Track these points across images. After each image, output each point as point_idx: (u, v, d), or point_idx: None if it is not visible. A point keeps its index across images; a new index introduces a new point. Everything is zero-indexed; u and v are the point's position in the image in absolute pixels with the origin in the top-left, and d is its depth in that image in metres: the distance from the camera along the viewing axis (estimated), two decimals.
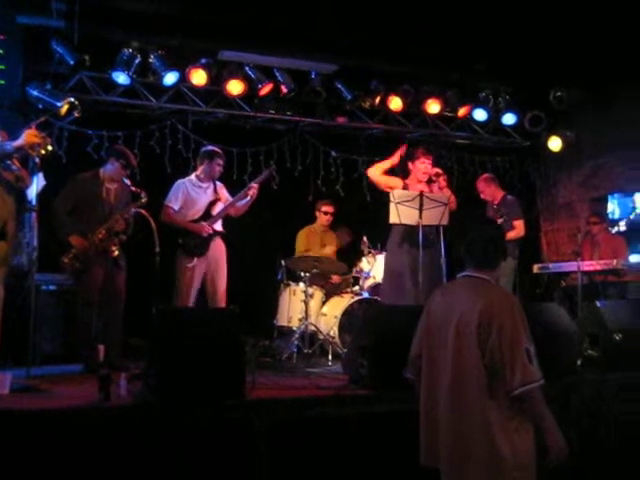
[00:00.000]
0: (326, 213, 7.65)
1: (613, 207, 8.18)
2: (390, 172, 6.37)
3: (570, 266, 7.46)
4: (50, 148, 5.17)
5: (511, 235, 6.96)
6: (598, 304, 5.60)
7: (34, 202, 5.24)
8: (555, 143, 8.70)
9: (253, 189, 6.30)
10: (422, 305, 5.54)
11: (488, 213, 7.24)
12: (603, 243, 7.41)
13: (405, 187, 6.20)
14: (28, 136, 5.05)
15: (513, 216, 7.14)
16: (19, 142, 5.06)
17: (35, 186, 5.21)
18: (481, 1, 6.33)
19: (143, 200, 5.71)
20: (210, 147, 6.53)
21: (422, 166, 6.21)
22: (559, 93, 8.28)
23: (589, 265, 7.18)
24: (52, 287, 6.31)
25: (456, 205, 6.28)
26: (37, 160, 5.16)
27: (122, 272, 5.78)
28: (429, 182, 6.20)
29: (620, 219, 7.87)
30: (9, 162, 5.14)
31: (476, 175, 8.57)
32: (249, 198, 6.34)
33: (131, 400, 4.22)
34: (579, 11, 6.45)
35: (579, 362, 5.20)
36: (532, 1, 6.32)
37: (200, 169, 6.38)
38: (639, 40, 6.82)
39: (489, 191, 7.39)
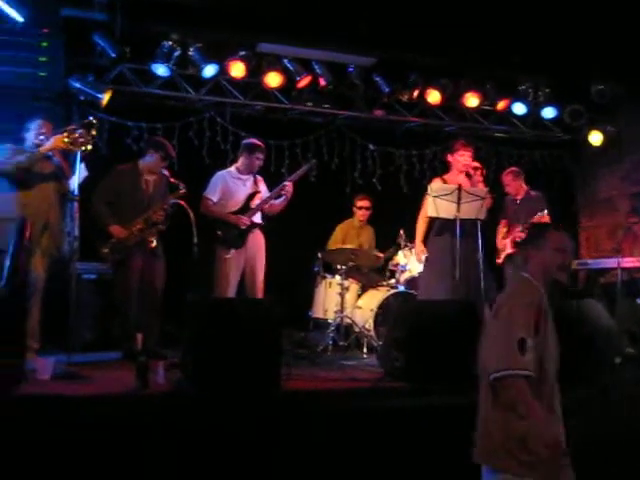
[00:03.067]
0: (361, 208, 7.64)
1: None
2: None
3: (610, 262, 7.35)
4: (90, 147, 5.25)
5: None
6: (638, 301, 5.52)
7: (76, 192, 5.34)
8: (596, 137, 8.58)
9: (288, 187, 6.28)
10: (458, 299, 5.62)
11: (507, 208, 7.10)
12: None
13: (444, 182, 6.16)
14: (56, 141, 5.14)
15: (540, 210, 7.04)
16: (47, 146, 5.15)
17: (77, 176, 5.30)
18: None
19: (181, 191, 5.76)
20: (251, 140, 6.51)
21: (462, 158, 6.15)
22: (600, 87, 8.17)
23: (629, 262, 7.07)
24: (92, 276, 6.42)
25: (491, 201, 6.24)
26: (79, 153, 5.25)
27: (160, 262, 5.85)
28: (467, 176, 6.15)
29: None
30: (50, 154, 5.24)
31: None
32: (284, 197, 6.33)
33: (169, 388, 4.27)
34: (621, 4, 6.35)
35: (618, 360, 5.14)
36: None
37: (240, 161, 6.40)
38: None
39: (515, 185, 7.29)
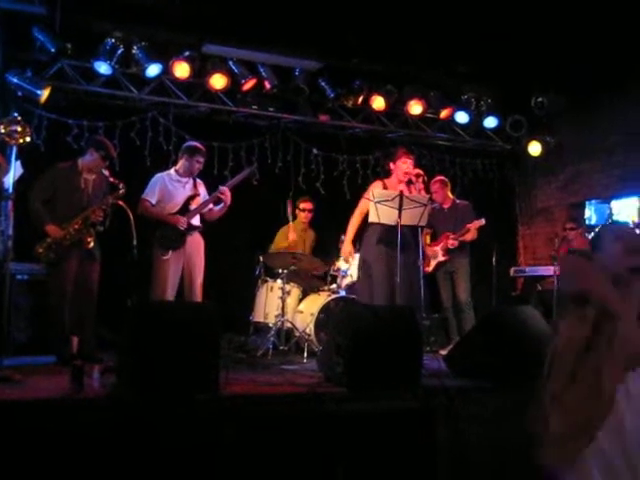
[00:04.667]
0: (304, 210, 7.64)
1: (590, 213, 8.26)
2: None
3: (546, 270, 7.53)
4: (28, 139, 5.12)
5: (467, 238, 7.13)
6: None
7: (11, 190, 5.18)
8: (535, 148, 8.78)
9: (224, 193, 6.23)
10: (398, 304, 5.66)
11: (433, 216, 7.04)
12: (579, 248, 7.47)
13: (385, 187, 6.21)
14: None
15: (468, 220, 7.19)
16: None
17: (12, 174, 5.15)
18: (466, 3, 6.36)
19: (121, 192, 5.66)
20: (192, 143, 6.45)
21: (404, 166, 6.21)
22: (540, 99, 8.37)
23: None
24: (25, 276, 6.24)
25: (432, 209, 6.32)
26: (15, 147, 5.10)
27: (96, 264, 5.73)
28: (409, 183, 6.21)
29: (596, 225, 7.95)
30: None
31: (456, 177, 8.66)
32: (223, 204, 6.27)
33: (104, 392, 4.19)
34: (563, 18, 6.51)
35: None
36: (518, 6, 6.36)
37: (180, 164, 6.33)
38: (619, 49, 6.91)
39: (442, 194, 7.43)
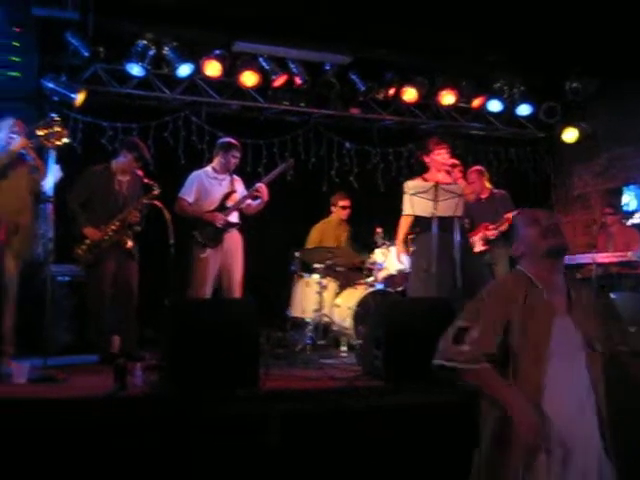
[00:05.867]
0: (344, 207, 7.63)
1: (629, 199, 8.13)
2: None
3: (585, 258, 7.42)
4: (66, 140, 5.20)
5: (506, 228, 7.01)
6: (613, 296, 5.56)
7: (50, 193, 5.28)
8: (570, 134, 8.66)
9: (261, 189, 6.24)
10: (435, 296, 5.62)
11: (471, 206, 6.79)
12: (618, 235, 7.36)
13: (425, 181, 6.15)
14: (21, 142, 5.08)
15: (506, 210, 7.10)
16: (17, 144, 5.09)
17: (52, 177, 5.24)
18: None
19: (155, 192, 5.71)
20: (226, 139, 6.49)
21: (439, 157, 6.14)
22: (574, 84, 8.24)
23: (604, 257, 7.13)
24: (67, 278, 6.36)
25: (475, 197, 6.25)
26: (54, 151, 5.19)
27: (135, 264, 5.80)
28: (447, 172, 6.15)
29: (635, 211, 7.83)
30: (24, 152, 5.17)
31: (490, 167, 8.57)
32: (260, 200, 6.29)
33: (147, 390, 4.25)
34: (595, 1, 6.41)
35: None
36: None
37: (216, 161, 6.37)
38: None
39: (479, 183, 7.34)
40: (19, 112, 5.80)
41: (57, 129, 5.18)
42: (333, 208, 7.68)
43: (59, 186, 5.41)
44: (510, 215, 6.99)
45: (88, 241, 5.61)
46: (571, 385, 2.60)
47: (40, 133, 5.13)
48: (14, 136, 5.16)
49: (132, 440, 3.69)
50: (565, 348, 2.61)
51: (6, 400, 3.89)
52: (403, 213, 6.08)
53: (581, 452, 2.56)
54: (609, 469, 2.60)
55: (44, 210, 5.68)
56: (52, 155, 5.21)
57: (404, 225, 6.21)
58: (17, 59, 6.37)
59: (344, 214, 7.66)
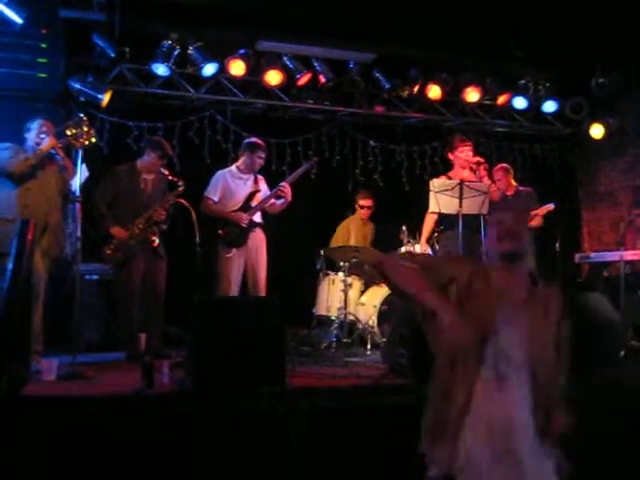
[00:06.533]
0: (363, 207, 7.63)
1: None
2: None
3: (613, 255, 7.34)
4: (94, 140, 5.26)
5: (533, 224, 6.95)
6: None
7: (78, 193, 5.34)
8: (597, 130, 8.55)
9: (285, 189, 6.27)
10: None
11: (499, 204, 6.94)
12: None
13: (449, 179, 6.14)
14: (50, 142, 5.15)
15: (533, 207, 7.04)
16: (46, 144, 5.16)
17: (79, 177, 5.30)
18: None
19: (180, 189, 5.76)
20: (253, 139, 6.52)
21: (462, 155, 6.16)
22: (601, 79, 8.15)
23: (632, 254, 7.05)
24: (95, 277, 6.44)
25: (500, 195, 6.21)
26: (80, 151, 5.25)
27: (162, 262, 5.86)
28: (472, 170, 6.13)
29: None
30: (53, 151, 5.23)
31: (516, 164, 8.50)
32: (284, 200, 6.32)
33: (174, 387, 4.28)
34: None
35: (622, 353, 5.14)
36: None
37: (241, 160, 6.40)
38: None
39: (505, 181, 7.29)
40: (46, 113, 5.89)
41: (85, 129, 5.25)
42: (356, 206, 7.68)
43: (85, 186, 5.46)
44: (536, 212, 6.95)
45: (115, 240, 5.66)
46: (510, 363, 2.59)
47: (69, 133, 5.20)
48: (43, 136, 5.23)
49: (160, 437, 3.73)
50: (512, 328, 2.61)
51: (36, 397, 3.94)
52: (429, 211, 6.08)
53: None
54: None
55: (72, 210, 5.75)
56: (79, 154, 5.27)
57: (429, 222, 6.20)
58: (44, 60, 6.43)
59: (364, 214, 7.64)
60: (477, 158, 6.19)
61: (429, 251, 6.37)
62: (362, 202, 7.63)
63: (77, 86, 6.53)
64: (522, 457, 2.53)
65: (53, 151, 5.20)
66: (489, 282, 2.67)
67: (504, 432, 2.53)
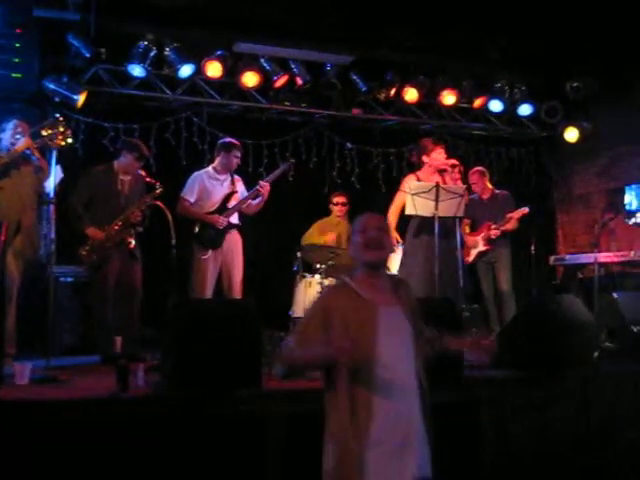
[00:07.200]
0: (337, 204, 7.61)
1: (630, 198, 8.11)
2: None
3: (587, 258, 7.42)
4: (70, 140, 5.22)
5: (509, 227, 7.05)
6: (615, 296, 5.57)
7: (52, 194, 5.29)
8: (572, 134, 8.64)
9: (264, 188, 6.28)
10: (437, 296, 5.64)
11: (472, 206, 6.95)
12: (620, 234, 7.36)
13: (418, 180, 6.18)
14: (25, 142, 5.11)
15: (509, 209, 7.11)
16: (21, 144, 5.11)
17: (53, 178, 5.25)
18: None
19: (158, 191, 5.73)
20: (227, 139, 6.51)
21: (439, 157, 6.18)
22: (575, 83, 8.23)
23: (606, 257, 7.13)
24: (70, 279, 6.38)
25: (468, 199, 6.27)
26: (55, 152, 5.20)
27: (138, 265, 5.82)
28: (441, 172, 6.16)
29: (637, 210, 7.81)
30: (29, 152, 5.18)
31: (492, 166, 8.57)
32: (260, 198, 6.32)
33: (149, 391, 4.25)
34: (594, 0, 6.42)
35: (596, 354, 5.18)
36: None
37: (217, 161, 6.38)
38: None
39: (481, 184, 7.36)
40: (21, 113, 5.84)
41: (61, 129, 5.21)
42: (330, 205, 7.67)
43: (59, 187, 5.41)
44: (512, 215, 7.02)
45: (91, 241, 5.61)
46: (400, 356, 2.65)
47: (45, 133, 5.15)
48: (18, 137, 5.18)
49: (134, 441, 3.70)
50: (393, 327, 2.67)
51: (7, 401, 3.89)
52: (397, 209, 6.14)
53: (404, 421, 2.61)
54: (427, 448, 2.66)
55: (47, 211, 5.70)
56: (53, 156, 5.22)
57: (395, 219, 6.24)
58: (19, 60, 6.38)
59: (339, 210, 7.61)
60: (452, 160, 6.22)
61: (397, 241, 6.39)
62: (336, 199, 7.58)
63: (52, 86, 6.48)
64: (416, 447, 2.62)
65: (28, 151, 5.15)
66: (357, 296, 2.70)
67: (405, 431, 2.61)
